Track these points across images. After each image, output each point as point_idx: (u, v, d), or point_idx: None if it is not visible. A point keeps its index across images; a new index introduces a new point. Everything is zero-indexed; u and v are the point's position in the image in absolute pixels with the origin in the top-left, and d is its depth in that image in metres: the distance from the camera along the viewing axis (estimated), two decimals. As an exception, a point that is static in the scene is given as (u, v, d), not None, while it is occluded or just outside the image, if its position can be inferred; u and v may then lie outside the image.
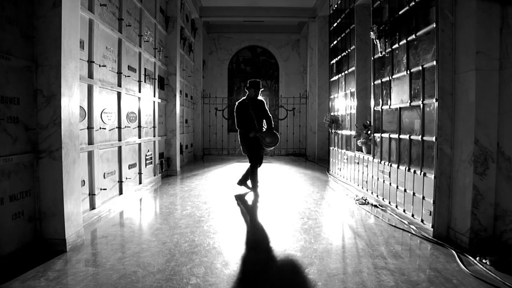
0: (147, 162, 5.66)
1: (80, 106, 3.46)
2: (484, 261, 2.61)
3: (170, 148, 6.97)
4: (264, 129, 5.17)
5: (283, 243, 3.08)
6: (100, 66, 3.99)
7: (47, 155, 2.78)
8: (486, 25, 2.85)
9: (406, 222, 3.62)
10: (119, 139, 4.55)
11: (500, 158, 2.85)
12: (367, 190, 4.91)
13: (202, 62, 10.45)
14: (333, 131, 6.68)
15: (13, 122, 2.54)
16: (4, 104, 2.46)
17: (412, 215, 3.59)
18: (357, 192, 5.17)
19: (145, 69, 5.53)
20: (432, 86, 3.28)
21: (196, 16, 9.74)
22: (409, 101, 3.70)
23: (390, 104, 4.16)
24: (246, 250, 2.95)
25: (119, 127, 4.54)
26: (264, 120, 5.17)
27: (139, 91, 5.28)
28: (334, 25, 6.62)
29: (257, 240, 3.25)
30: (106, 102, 4.18)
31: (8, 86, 2.50)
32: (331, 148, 6.88)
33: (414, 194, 3.58)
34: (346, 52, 5.89)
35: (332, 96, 6.80)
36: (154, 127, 5.99)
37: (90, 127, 3.76)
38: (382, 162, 4.36)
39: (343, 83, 6.11)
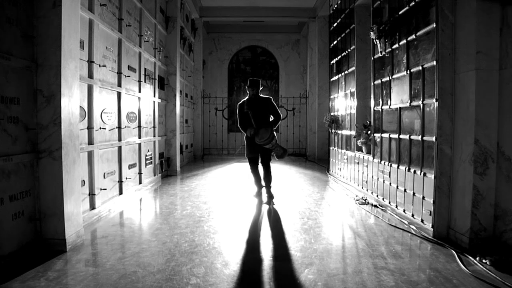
0: (147, 162, 5.66)
1: (80, 106, 3.46)
2: (484, 261, 2.61)
3: (170, 148, 6.97)
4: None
5: (283, 243, 3.08)
6: (100, 66, 3.99)
7: (47, 155, 2.78)
8: (486, 25, 2.85)
9: (406, 222, 3.62)
10: (119, 139, 4.55)
11: (500, 158, 2.85)
12: (367, 190, 4.91)
13: (202, 62, 10.45)
14: (333, 131, 6.68)
15: (13, 122, 2.54)
16: (4, 104, 2.46)
17: (412, 215, 3.59)
18: (357, 192, 5.17)
19: (145, 69, 5.53)
20: (432, 86, 3.28)
21: (196, 16, 9.74)
22: (409, 101, 3.70)
23: (390, 104, 4.16)
24: (246, 250, 2.95)
25: (119, 127, 4.54)
26: (272, 119, 4.73)
27: (139, 91, 5.28)
28: (334, 25, 6.62)
29: (257, 240, 3.25)
30: (106, 102, 4.18)
31: (8, 86, 2.50)
32: (331, 148, 6.88)
33: (414, 194, 3.58)
34: (346, 52, 5.89)
35: (332, 96, 6.81)
36: (154, 127, 6.00)
37: (90, 127, 3.76)
38: (382, 162, 4.36)
39: (343, 83, 6.11)
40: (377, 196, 4.52)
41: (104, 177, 4.10)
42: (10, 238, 2.52)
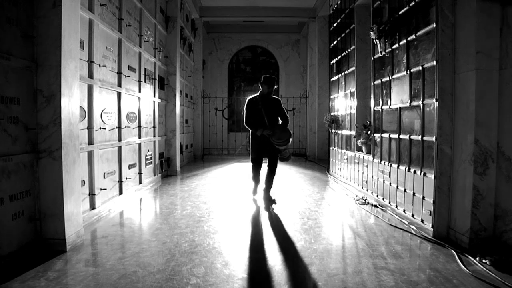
0: (147, 162, 5.66)
1: (80, 106, 3.46)
2: (484, 261, 2.61)
3: (170, 148, 6.97)
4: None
5: (283, 243, 3.08)
6: (100, 66, 3.99)
7: (47, 155, 2.78)
8: (486, 25, 2.85)
9: (406, 222, 3.62)
10: (119, 139, 4.55)
11: (500, 158, 2.85)
12: (367, 190, 4.91)
13: (202, 62, 10.45)
14: (333, 131, 6.68)
15: (13, 122, 2.54)
16: (4, 104, 2.46)
17: (412, 215, 3.59)
18: (357, 192, 5.17)
19: (145, 69, 5.53)
20: (432, 86, 3.28)
21: (196, 16, 9.74)
22: (409, 101, 3.70)
23: (390, 104, 4.16)
24: (246, 250, 2.95)
25: (119, 127, 4.54)
26: (279, 121, 4.50)
27: (139, 91, 5.28)
28: (334, 25, 6.62)
29: (257, 240, 3.25)
30: (106, 102, 4.18)
31: (8, 86, 2.50)
32: (331, 148, 6.88)
33: (414, 194, 3.58)
34: (346, 52, 5.89)
35: (332, 96, 6.81)
36: (154, 127, 6.00)
37: (90, 127, 3.76)
38: (382, 162, 4.36)
39: (343, 83, 6.11)
40: (377, 196, 4.52)
41: (104, 177, 4.10)
42: (10, 238, 2.52)
